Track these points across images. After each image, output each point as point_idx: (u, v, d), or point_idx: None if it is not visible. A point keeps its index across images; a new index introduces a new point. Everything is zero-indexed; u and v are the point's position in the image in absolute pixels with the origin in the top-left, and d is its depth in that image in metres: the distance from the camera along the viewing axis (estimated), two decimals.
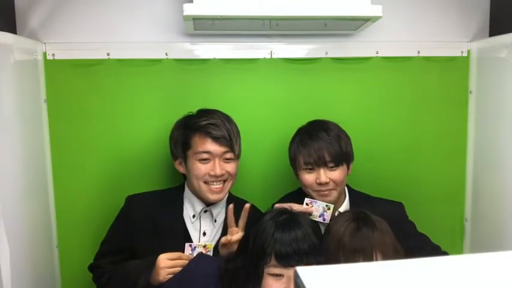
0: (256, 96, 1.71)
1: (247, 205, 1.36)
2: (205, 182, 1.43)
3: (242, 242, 1.28)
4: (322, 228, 1.47)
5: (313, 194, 1.45)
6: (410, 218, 1.54)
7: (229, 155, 1.44)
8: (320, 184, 1.42)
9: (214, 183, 1.43)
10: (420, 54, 1.76)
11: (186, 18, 1.41)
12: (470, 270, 0.53)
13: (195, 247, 1.36)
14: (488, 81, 1.72)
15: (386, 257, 1.18)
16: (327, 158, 1.41)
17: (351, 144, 1.49)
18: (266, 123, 1.71)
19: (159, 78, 1.65)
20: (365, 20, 1.51)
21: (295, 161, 1.47)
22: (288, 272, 1.11)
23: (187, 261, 1.30)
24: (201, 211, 1.48)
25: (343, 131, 1.49)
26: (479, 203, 1.79)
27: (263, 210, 1.54)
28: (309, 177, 1.44)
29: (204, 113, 1.48)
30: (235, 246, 1.31)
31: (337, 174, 1.43)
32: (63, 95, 1.61)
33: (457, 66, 1.79)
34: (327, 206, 1.42)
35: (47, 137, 1.61)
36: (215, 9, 1.38)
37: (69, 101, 1.61)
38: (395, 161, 1.79)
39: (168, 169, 1.66)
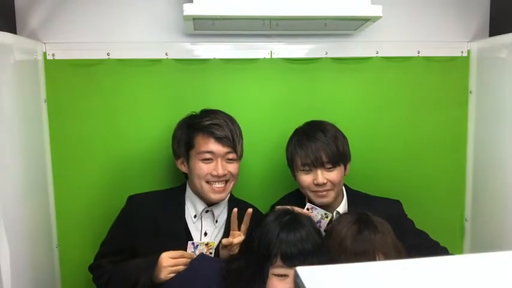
0: (256, 96, 1.71)
1: (249, 210, 1.37)
2: (208, 182, 1.43)
3: (245, 243, 1.28)
4: None
5: (311, 195, 1.45)
6: (410, 217, 1.54)
7: (231, 156, 1.44)
8: (317, 185, 1.42)
9: (217, 183, 1.43)
10: (420, 54, 1.77)
11: (186, 18, 1.41)
12: (470, 270, 0.53)
13: (197, 245, 1.36)
14: (488, 81, 1.72)
15: (388, 258, 1.18)
16: (324, 159, 1.41)
17: (347, 145, 1.49)
18: (266, 123, 1.71)
19: (159, 78, 1.65)
20: (365, 20, 1.51)
21: (293, 162, 1.47)
22: (293, 272, 1.12)
23: (189, 260, 1.30)
24: (202, 211, 1.48)
25: (340, 132, 1.49)
26: (479, 203, 1.79)
27: (262, 211, 1.54)
28: (306, 178, 1.44)
29: (207, 113, 1.48)
30: (236, 249, 1.31)
31: (334, 174, 1.43)
32: (63, 95, 1.61)
33: (457, 66, 1.79)
34: (325, 214, 1.42)
35: (47, 137, 1.61)
36: (215, 9, 1.38)
37: (69, 101, 1.61)
38: (395, 161, 1.79)
39: (168, 169, 1.66)
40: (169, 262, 1.29)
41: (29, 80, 1.52)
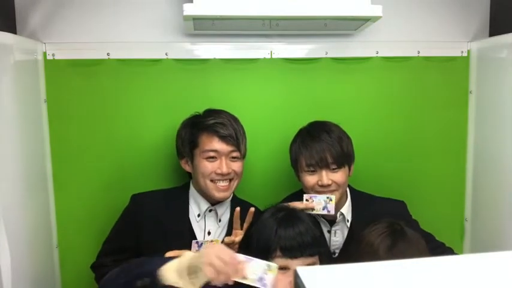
0: (256, 96, 1.71)
1: (252, 209, 1.37)
2: (212, 180, 1.44)
3: (244, 240, 1.29)
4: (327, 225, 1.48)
5: None
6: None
7: (235, 154, 1.46)
8: (322, 186, 1.42)
9: (221, 181, 1.44)
10: (420, 54, 1.76)
11: (186, 18, 1.41)
12: (470, 270, 0.53)
13: (201, 244, 1.37)
14: (488, 81, 1.72)
15: None
16: (329, 160, 1.41)
17: (352, 145, 1.49)
18: (266, 123, 1.71)
19: (159, 78, 1.65)
20: (365, 20, 1.51)
21: (297, 162, 1.47)
22: (294, 265, 1.12)
23: None
24: (206, 210, 1.49)
25: (344, 132, 1.49)
26: (479, 203, 1.79)
27: None
28: (311, 179, 1.43)
29: (211, 112, 1.50)
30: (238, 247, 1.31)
31: (339, 175, 1.43)
32: (63, 95, 1.61)
33: (457, 66, 1.79)
34: (328, 198, 1.41)
35: (47, 137, 1.61)
36: (215, 9, 1.38)
37: (69, 101, 1.61)
38: (395, 161, 1.79)
39: (168, 169, 1.66)
40: None
41: (29, 80, 1.52)
